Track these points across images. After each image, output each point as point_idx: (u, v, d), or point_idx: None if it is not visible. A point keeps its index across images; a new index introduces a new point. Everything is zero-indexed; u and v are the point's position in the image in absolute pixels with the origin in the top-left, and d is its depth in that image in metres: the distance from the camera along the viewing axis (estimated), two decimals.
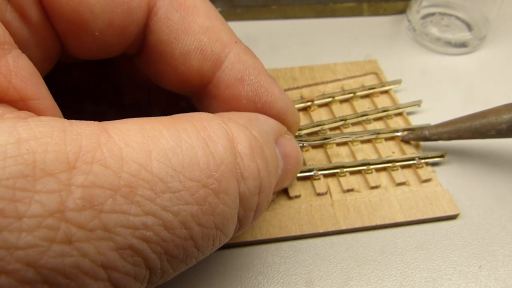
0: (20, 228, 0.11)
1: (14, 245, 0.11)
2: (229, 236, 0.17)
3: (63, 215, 0.12)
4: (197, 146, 0.15)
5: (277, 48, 0.36)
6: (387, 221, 0.25)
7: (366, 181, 0.26)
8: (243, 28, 0.38)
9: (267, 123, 0.20)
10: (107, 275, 0.13)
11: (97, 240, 0.12)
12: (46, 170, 0.12)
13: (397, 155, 0.28)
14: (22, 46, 0.16)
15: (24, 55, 0.14)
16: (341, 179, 0.26)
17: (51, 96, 0.15)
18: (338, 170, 0.26)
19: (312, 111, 0.30)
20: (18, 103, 0.14)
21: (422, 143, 0.29)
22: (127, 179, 0.13)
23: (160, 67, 0.19)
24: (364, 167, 0.27)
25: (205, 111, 0.20)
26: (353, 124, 0.30)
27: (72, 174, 0.12)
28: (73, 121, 0.13)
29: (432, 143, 0.29)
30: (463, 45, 0.35)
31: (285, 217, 0.25)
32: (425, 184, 0.26)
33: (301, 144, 0.28)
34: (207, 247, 0.16)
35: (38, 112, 0.14)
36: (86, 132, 0.13)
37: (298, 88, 0.32)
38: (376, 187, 0.26)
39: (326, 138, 0.28)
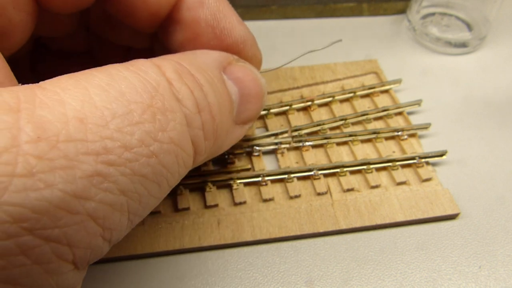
0: None
1: None
2: (190, 156, 0.17)
3: (18, 149, 0.12)
4: (130, 76, 0.15)
5: (277, 48, 0.36)
6: (387, 221, 0.25)
7: (366, 180, 0.26)
8: None
9: (205, 55, 0.20)
10: (82, 206, 0.13)
11: (62, 169, 0.12)
12: None
13: (397, 155, 0.28)
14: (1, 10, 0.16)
15: None
16: (341, 178, 0.26)
17: (13, 80, 0.15)
18: (338, 170, 0.26)
19: (312, 110, 0.30)
20: None
21: (422, 143, 0.29)
22: (73, 113, 0.13)
23: (130, 3, 0.20)
24: (364, 167, 0.27)
25: (168, 41, 0.21)
26: (353, 123, 0.30)
27: (18, 115, 0.12)
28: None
29: (432, 142, 0.29)
30: (463, 45, 0.36)
31: (285, 217, 0.25)
32: (425, 184, 0.26)
33: (301, 144, 0.28)
34: (172, 165, 0.16)
35: None
36: (20, 88, 0.13)
37: (298, 88, 0.32)
38: (376, 186, 0.26)
39: (326, 138, 0.28)
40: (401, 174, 0.27)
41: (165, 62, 0.17)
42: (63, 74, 0.25)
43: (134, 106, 0.15)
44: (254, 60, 0.23)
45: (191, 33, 0.21)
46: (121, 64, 0.16)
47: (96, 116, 0.14)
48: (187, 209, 0.25)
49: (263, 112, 0.30)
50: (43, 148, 0.12)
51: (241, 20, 0.22)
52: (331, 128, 0.29)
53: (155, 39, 0.24)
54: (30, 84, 0.14)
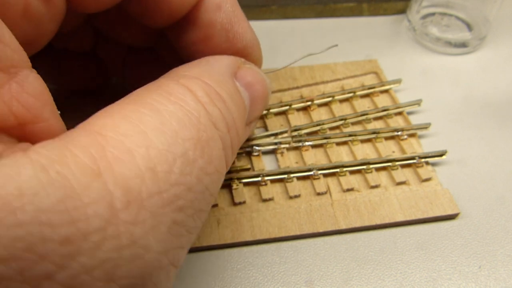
0: (89, 247, 0.11)
1: (91, 266, 0.11)
2: (224, 175, 0.18)
3: (118, 220, 0.12)
4: (175, 109, 0.15)
5: (277, 48, 0.36)
6: (387, 221, 0.25)
7: (366, 180, 0.26)
8: None
9: (219, 62, 0.20)
10: (167, 259, 0.13)
11: (152, 229, 0.13)
12: (82, 184, 0.12)
13: (397, 155, 0.28)
14: (36, 14, 0.16)
15: (33, 74, 0.14)
16: (341, 178, 0.26)
17: (56, 113, 0.15)
18: (338, 170, 0.26)
19: (312, 110, 0.30)
20: (16, 129, 0.14)
21: (422, 143, 0.29)
22: (144, 163, 0.13)
23: (154, 3, 0.20)
24: (364, 167, 0.27)
25: (178, 40, 0.22)
26: (353, 123, 0.30)
27: (104, 179, 0.12)
28: (64, 136, 0.14)
29: (432, 142, 0.29)
30: (463, 45, 0.35)
31: (285, 216, 0.25)
32: (425, 184, 0.26)
33: (301, 144, 0.28)
34: (215, 190, 0.17)
35: (36, 135, 0.14)
36: (86, 142, 0.13)
37: (298, 87, 0.32)
38: (376, 186, 0.26)
39: (326, 138, 0.28)
40: (400, 174, 0.26)
41: (193, 84, 0.17)
42: (60, 70, 0.25)
43: (188, 144, 0.15)
44: (258, 63, 0.23)
45: (204, 34, 0.21)
46: (157, 93, 0.16)
47: (162, 162, 0.14)
48: None
49: (263, 112, 0.30)
50: (135, 212, 0.12)
51: (250, 25, 0.22)
52: (331, 128, 0.29)
53: (161, 38, 0.24)
54: (86, 132, 0.14)
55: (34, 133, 0.14)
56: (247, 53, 0.22)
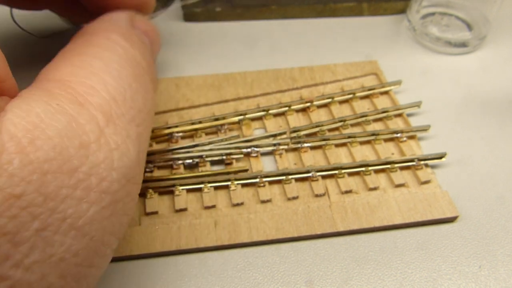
0: (94, 150, 0.15)
1: (98, 162, 0.15)
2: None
3: (104, 133, 0.16)
4: (112, 55, 0.19)
5: (277, 48, 0.36)
6: (386, 223, 0.24)
7: (364, 182, 0.26)
8: (243, 28, 0.38)
9: (121, 17, 0.23)
10: (140, 158, 0.18)
11: (128, 138, 0.17)
12: (75, 110, 0.16)
13: (396, 157, 0.28)
14: None
15: None
16: (340, 180, 0.26)
17: (10, 72, 0.17)
18: (336, 172, 0.26)
19: (311, 112, 0.30)
20: None
21: (422, 144, 0.29)
22: (107, 95, 0.17)
23: None
24: (363, 169, 0.27)
25: None
26: (352, 125, 0.30)
27: (86, 106, 0.16)
28: (37, 85, 0.17)
29: (432, 144, 0.29)
30: (463, 45, 0.35)
31: (283, 218, 0.25)
32: (424, 186, 0.26)
33: (299, 145, 0.28)
34: (153, 110, 0.21)
35: (3, 91, 0.16)
36: (59, 86, 0.16)
37: (297, 88, 0.32)
38: (375, 188, 0.26)
39: (325, 139, 0.28)
40: (399, 176, 0.26)
41: (115, 36, 0.21)
42: None
43: (129, 79, 0.19)
44: (149, 13, 0.27)
45: None
46: (92, 46, 0.20)
47: (118, 93, 0.18)
48: (185, 210, 0.25)
49: (262, 113, 0.30)
50: (113, 127, 0.17)
51: None
52: (330, 130, 0.29)
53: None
54: (53, 81, 0.17)
55: (2, 90, 0.17)
56: (144, 7, 0.26)
